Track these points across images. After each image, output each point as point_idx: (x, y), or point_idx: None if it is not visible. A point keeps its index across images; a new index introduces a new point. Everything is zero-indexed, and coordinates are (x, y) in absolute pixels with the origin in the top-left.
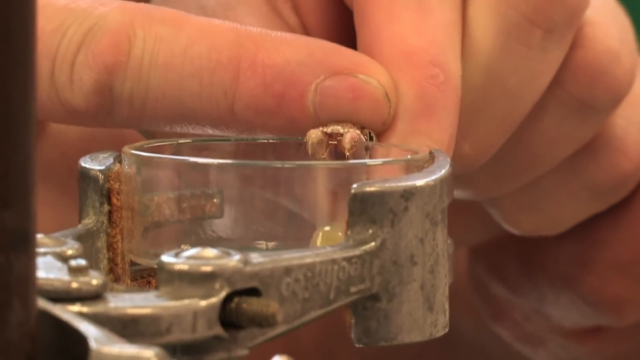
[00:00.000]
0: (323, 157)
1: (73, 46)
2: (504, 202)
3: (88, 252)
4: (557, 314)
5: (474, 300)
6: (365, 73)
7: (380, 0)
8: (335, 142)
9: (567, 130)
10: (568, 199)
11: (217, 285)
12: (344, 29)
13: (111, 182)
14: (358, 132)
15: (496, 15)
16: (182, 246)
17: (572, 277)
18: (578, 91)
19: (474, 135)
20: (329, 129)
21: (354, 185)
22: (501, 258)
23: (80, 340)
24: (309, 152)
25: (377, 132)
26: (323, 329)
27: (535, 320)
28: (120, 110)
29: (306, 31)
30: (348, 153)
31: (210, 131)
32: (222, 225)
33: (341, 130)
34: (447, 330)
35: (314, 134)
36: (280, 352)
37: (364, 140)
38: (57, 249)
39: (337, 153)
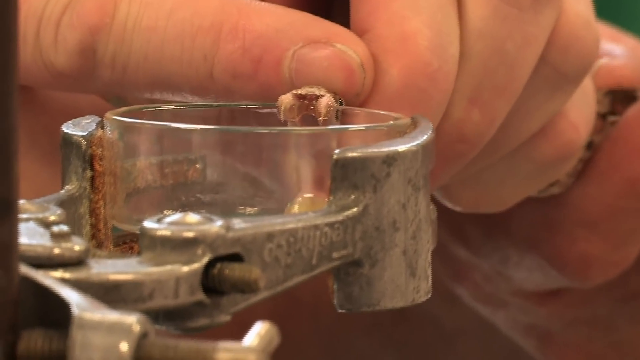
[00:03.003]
0: (294, 121)
1: (59, 7)
2: None
3: (71, 218)
4: (519, 276)
5: (433, 262)
6: (342, 43)
7: None
8: (312, 108)
9: (539, 103)
10: (511, 173)
11: (199, 251)
12: (304, 3)
13: (94, 147)
14: (332, 97)
15: None
16: (165, 212)
17: (537, 238)
18: (552, 57)
19: (481, 102)
20: (303, 91)
21: (336, 151)
22: (462, 220)
23: (62, 306)
24: (281, 117)
25: (351, 103)
26: (279, 295)
27: (496, 281)
28: (102, 73)
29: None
30: (323, 119)
31: (189, 98)
32: (204, 191)
33: (316, 92)
34: (429, 295)
35: (286, 100)
36: (237, 325)
37: (337, 106)
38: (40, 215)
39: (309, 118)
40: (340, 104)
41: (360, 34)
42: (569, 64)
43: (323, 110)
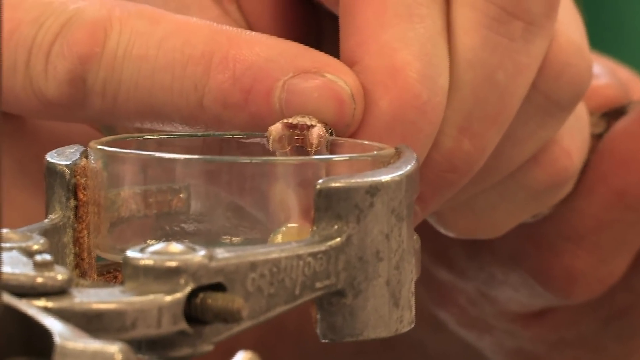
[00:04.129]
0: (285, 152)
1: (49, 37)
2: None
3: (54, 247)
4: (504, 296)
5: (417, 287)
6: (333, 73)
7: (370, 5)
8: (302, 138)
9: (531, 130)
10: (504, 199)
11: (182, 281)
12: (293, 33)
13: (77, 177)
14: (323, 128)
15: (475, 11)
16: (148, 241)
17: (522, 254)
18: (544, 85)
19: (471, 132)
20: (294, 120)
21: (320, 181)
22: (446, 243)
23: (45, 335)
24: (270, 148)
25: (341, 134)
26: (265, 323)
27: (480, 303)
28: (93, 102)
29: (254, 30)
30: (315, 149)
31: (179, 127)
32: (188, 221)
33: (307, 122)
34: (413, 325)
35: (275, 131)
36: (220, 354)
37: (328, 136)
38: (23, 244)
39: (299, 147)
40: (331, 134)
41: (350, 64)
42: (561, 91)
43: (315, 141)
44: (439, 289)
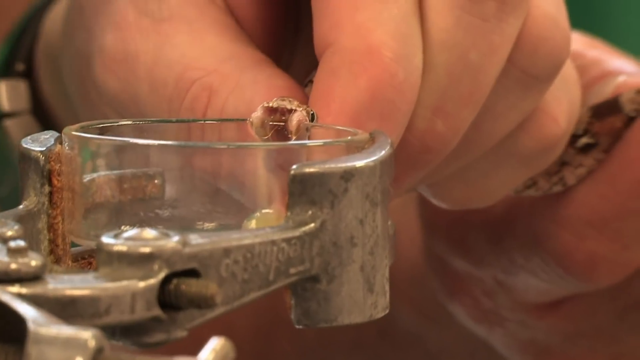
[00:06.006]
0: (267, 138)
1: None
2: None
3: (29, 234)
4: (522, 284)
5: (428, 280)
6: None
7: None
8: (282, 124)
9: (512, 103)
10: (495, 168)
11: (155, 267)
12: (272, 18)
13: (52, 163)
14: (304, 112)
15: None
16: (123, 227)
17: (543, 236)
18: (520, 60)
19: (445, 112)
20: (274, 104)
21: (294, 167)
22: (463, 231)
23: (18, 321)
24: (254, 134)
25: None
26: (262, 313)
27: (496, 294)
28: None
29: (235, 14)
30: (294, 136)
31: None
32: (163, 206)
33: (288, 106)
34: (387, 311)
35: (256, 117)
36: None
37: (308, 121)
38: None
39: (280, 133)
40: (312, 118)
41: (324, 47)
42: (539, 65)
43: (294, 127)
44: (453, 280)
